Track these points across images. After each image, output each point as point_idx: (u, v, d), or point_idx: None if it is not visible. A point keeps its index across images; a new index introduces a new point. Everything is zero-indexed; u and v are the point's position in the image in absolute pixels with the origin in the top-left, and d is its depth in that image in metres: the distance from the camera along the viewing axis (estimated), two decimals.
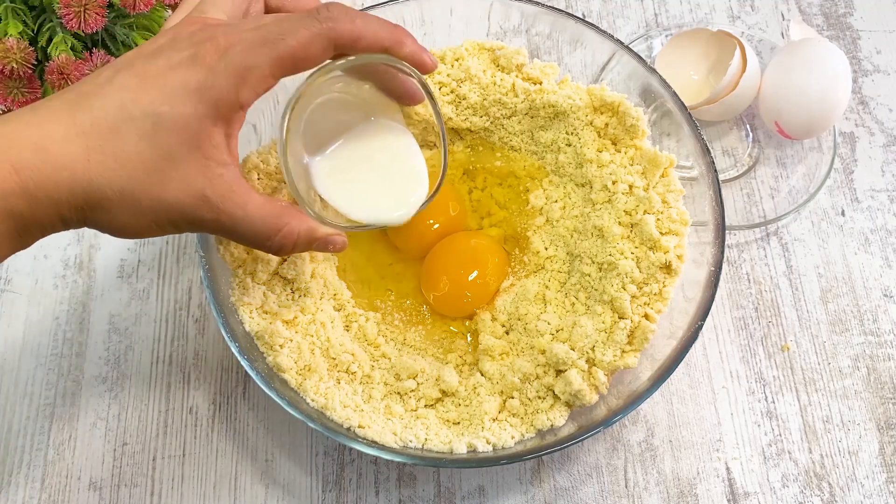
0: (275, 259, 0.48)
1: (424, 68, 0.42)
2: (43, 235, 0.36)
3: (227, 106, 0.36)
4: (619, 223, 0.49)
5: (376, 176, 0.46)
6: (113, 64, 0.38)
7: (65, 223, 0.36)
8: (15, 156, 0.33)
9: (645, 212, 0.48)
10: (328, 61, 0.40)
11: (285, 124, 0.41)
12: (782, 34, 0.68)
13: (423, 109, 0.53)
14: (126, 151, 0.35)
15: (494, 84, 0.54)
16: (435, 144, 0.56)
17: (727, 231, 0.50)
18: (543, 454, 0.45)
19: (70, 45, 0.57)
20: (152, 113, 0.35)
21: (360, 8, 0.62)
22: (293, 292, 0.49)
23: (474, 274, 0.52)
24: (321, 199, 0.46)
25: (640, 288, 0.47)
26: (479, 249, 0.53)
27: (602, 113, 0.52)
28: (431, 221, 0.53)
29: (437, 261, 0.52)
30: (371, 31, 0.39)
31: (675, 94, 0.51)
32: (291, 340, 0.47)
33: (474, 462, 0.45)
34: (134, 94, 0.35)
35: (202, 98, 0.36)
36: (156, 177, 0.36)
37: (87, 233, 0.58)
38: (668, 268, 0.47)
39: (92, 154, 0.34)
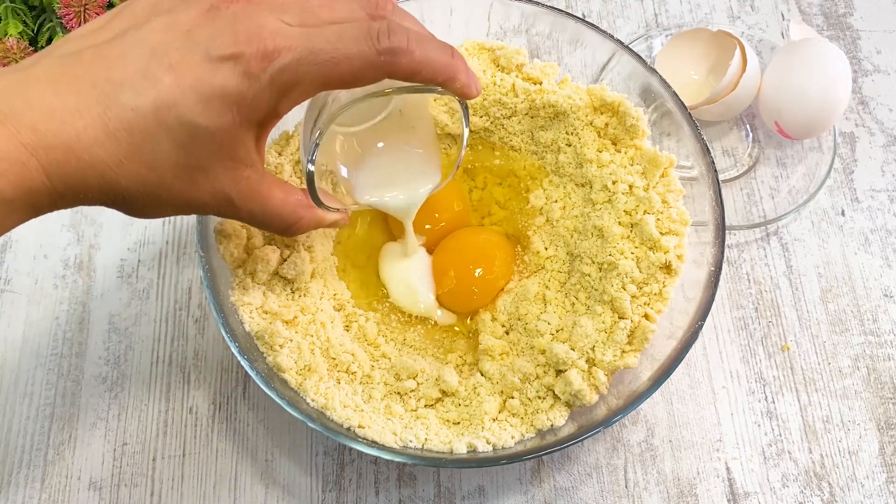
0: (275, 259, 0.48)
1: (469, 97, 0.41)
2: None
3: (264, 116, 0.36)
4: (619, 223, 0.49)
5: (394, 168, 0.48)
6: (142, 37, 0.34)
7: (81, 204, 0.35)
8: (44, 156, 0.31)
9: (645, 212, 0.48)
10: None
11: (319, 136, 0.41)
12: (782, 34, 0.68)
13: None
14: (158, 159, 0.34)
15: (494, 84, 0.54)
16: (445, 151, 0.56)
17: (727, 231, 0.50)
18: (543, 454, 0.45)
19: None
20: (190, 123, 0.33)
21: None
22: (293, 292, 0.49)
23: (481, 269, 0.52)
24: (332, 174, 0.47)
25: (640, 288, 0.47)
26: (488, 245, 0.53)
27: (602, 113, 0.52)
28: (437, 216, 0.53)
29: (446, 256, 0.52)
30: (428, 67, 0.37)
31: (675, 94, 0.51)
32: (291, 340, 0.47)
33: (474, 462, 0.45)
34: (171, 97, 0.33)
35: (241, 109, 0.34)
36: (185, 181, 0.35)
37: (87, 232, 0.58)
38: (668, 268, 0.47)
39: (123, 159, 0.33)
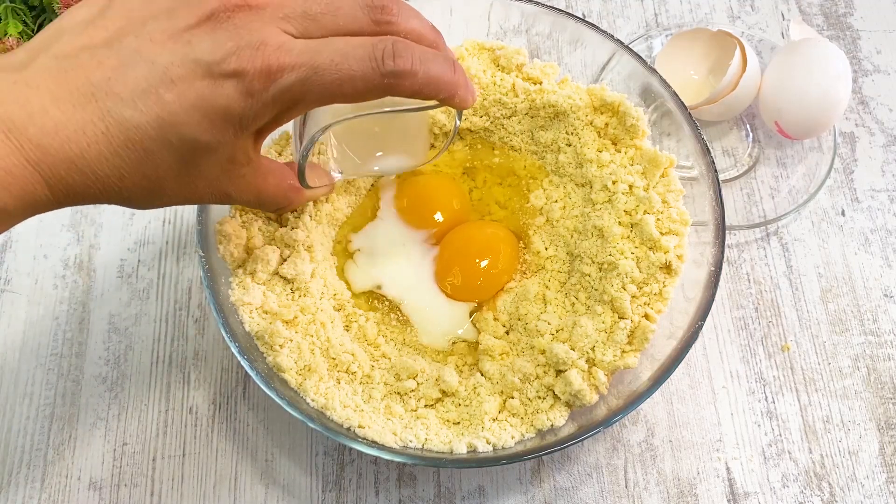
0: (275, 259, 0.48)
1: (465, 108, 0.41)
2: None
3: (264, 126, 0.37)
4: (620, 223, 0.49)
5: (379, 142, 0.49)
6: (140, 45, 0.33)
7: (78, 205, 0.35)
8: (48, 171, 0.31)
9: (645, 212, 0.48)
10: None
11: (311, 142, 0.41)
12: (782, 34, 0.68)
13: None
14: (160, 171, 0.34)
15: (494, 84, 0.54)
16: (433, 145, 0.56)
17: (727, 231, 0.50)
18: (543, 454, 0.45)
19: None
20: (192, 140, 0.34)
21: None
22: (293, 292, 0.49)
23: (487, 261, 0.52)
24: (322, 144, 0.49)
25: (641, 288, 0.47)
26: (495, 238, 0.53)
27: (602, 113, 0.52)
28: (437, 214, 0.53)
29: (452, 247, 0.53)
30: (431, 87, 0.37)
31: (675, 94, 0.51)
32: (291, 340, 0.47)
33: (474, 462, 0.45)
34: (173, 116, 0.33)
35: (242, 124, 0.35)
36: (185, 186, 0.36)
37: (87, 232, 0.58)
38: (668, 268, 0.47)
39: (125, 174, 0.33)
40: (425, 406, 0.48)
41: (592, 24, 0.54)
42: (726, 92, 0.58)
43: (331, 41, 0.35)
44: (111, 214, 0.59)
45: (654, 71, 0.52)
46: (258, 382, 0.44)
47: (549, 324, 0.49)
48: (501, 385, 0.47)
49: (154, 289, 0.57)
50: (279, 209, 0.44)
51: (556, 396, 0.46)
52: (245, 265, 0.48)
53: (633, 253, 0.48)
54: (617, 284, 0.47)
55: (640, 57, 0.53)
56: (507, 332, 0.50)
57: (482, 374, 0.48)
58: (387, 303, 0.52)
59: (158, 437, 0.52)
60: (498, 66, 0.55)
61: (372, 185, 0.56)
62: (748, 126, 0.63)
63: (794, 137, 0.59)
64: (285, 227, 0.50)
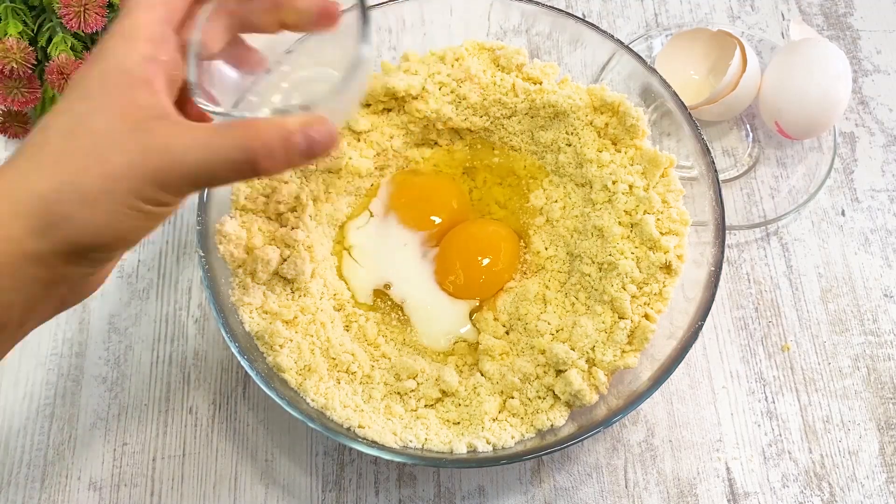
0: (275, 259, 0.48)
1: None
2: (26, 312, 0.34)
3: (144, 37, 0.35)
4: (620, 223, 0.49)
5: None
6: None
7: (42, 269, 0.33)
8: None
9: (645, 212, 0.48)
10: None
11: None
12: (782, 34, 0.68)
13: (424, 106, 0.53)
14: (53, 151, 0.32)
15: (494, 84, 0.54)
16: (436, 142, 0.56)
17: (727, 231, 0.50)
18: (543, 454, 0.45)
19: (70, 45, 0.57)
20: (66, 110, 0.33)
21: None
22: (293, 292, 0.49)
23: (489, 259, 0.52)
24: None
25: (640, 288, 0.47)
26: (496, 236, 0.53)
27: (602, 113, 0.52)
28: (436, 214, 0.54)
29: (454, 245, 0.53)
30: None
31: (675, 94, 0.51)
32: (291, 340, 0.47)
33: (474, 462, 0.45)
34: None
35: (113, 40, 0.35)
36: (91, 158, 0.32)
37: None
38: (668, 268, 0.47)
39: (26, 171, 0.32)
40: (425, 406, 0.48)
41: (592, 24, 0.54)
42: (726, 92, 0.58)
43: None
44: None
45: (654, 71, 0.52)
46: (258, 382, 0.44)
47: (549, 324, 0.49)
48: (501, 385, 0.47)
49: (154, 289, 0.56)
50: (256, 154, 0.33)
51: (556, 396, 0.46)
52: (245, 265, 0.48)
53: (633, 253, 0.48)
54: (617, 284, 0.47)
55: (640, 57, 0.53)
56: (507, 332, 0.50)
57: (482, 374, 0.48)
58: (388, 302, 0.52)
59: (158, 437, 0.52)
60: (498, 66, 0.55)
61: (371, 184, 0.56)
62: (748, 126, 0.63)
63: (794, 137, 0.59)
64: (285, 227, 0.50)
